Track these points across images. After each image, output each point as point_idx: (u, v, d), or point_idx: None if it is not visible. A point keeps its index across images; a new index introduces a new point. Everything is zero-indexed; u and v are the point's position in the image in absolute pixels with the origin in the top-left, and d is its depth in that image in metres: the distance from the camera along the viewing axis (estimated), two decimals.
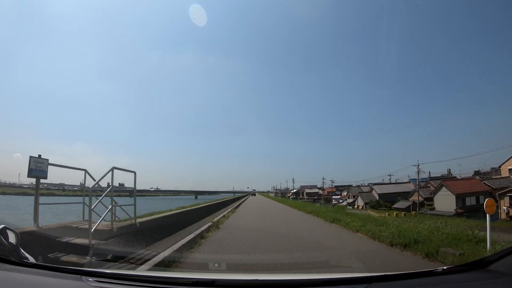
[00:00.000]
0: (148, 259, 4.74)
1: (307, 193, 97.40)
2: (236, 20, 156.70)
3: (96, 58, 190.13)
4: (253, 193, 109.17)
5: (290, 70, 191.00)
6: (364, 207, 54.09)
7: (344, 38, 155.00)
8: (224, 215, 15.56)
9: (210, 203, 19.32)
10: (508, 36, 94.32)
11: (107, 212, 6.25)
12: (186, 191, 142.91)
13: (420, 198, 45.71)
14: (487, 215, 5.86)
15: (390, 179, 70.51)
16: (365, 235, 8.41)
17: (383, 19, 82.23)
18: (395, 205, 46.66)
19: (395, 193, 54.39)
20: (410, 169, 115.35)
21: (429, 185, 48.65)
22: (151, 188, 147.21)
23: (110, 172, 6.24)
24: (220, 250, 6.51)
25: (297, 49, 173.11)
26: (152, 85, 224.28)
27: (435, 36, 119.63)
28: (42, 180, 5.86)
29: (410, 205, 43.15)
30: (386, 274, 1.72)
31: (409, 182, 61.16)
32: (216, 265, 4.73)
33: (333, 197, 77.39)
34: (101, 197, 6.29)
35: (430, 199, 44.68)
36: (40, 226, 5.33)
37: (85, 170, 7.18)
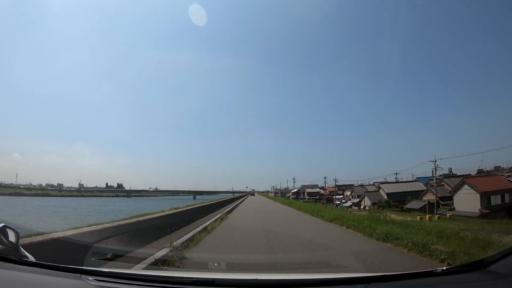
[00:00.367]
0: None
1: (308, 193, 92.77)
2: (236, 19, 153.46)
3: (96, 58, 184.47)
4: (252, 193, 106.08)
5: (290, 69, 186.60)
6: (372, 208, 49.70)
7: (347, 36, 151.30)
8: (215, 219, 12.09)
9: (199, 206, 16.27)
10: None
11: None
12: (184, 191, 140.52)
13: (435, 198, 41.32)
14: None
15: (396, 178, 66.12)
16: None
17: (386, 17, 78.40)
18: (407, 206, 42.03)
19: (405, 192, 49.76)
20: (415, 169, 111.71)
21: (443, 183, 44.19)
22: (150, 188, 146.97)
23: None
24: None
25: (297, 48, 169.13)
26: (151, 85, 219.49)
27: (439, 34, 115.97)
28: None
29: (425, 205, 38.63)
30: (386, 274, 1.71)
31: (416, 180, 56.97)
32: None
33: (336, 196, 72.70)
34: None
35: (446, 198, 40.31)
36: None
37: None
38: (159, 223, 7.76)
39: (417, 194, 48.35)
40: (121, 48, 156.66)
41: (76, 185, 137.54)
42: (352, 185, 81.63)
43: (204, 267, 4.65)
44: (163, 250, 5.30)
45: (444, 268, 1.76)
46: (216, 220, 11.93)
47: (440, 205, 39.58)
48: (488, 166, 57.87)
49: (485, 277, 1.57)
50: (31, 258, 1.89)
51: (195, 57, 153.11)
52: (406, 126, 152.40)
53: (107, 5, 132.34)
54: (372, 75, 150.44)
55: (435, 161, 39.51)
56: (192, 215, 11.88)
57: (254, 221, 13.68)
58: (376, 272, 1.93)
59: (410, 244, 5.91)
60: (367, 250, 6.28)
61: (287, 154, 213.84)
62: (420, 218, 21.66)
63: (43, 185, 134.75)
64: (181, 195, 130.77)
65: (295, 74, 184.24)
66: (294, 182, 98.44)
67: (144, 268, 4.16)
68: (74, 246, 3.99)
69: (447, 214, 26.20)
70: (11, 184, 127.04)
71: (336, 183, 70.79)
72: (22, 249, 1.86)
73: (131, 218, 7.94)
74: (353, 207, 57.02)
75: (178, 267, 4.71)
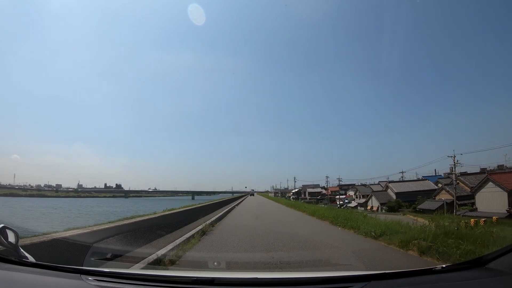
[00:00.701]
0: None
1: (310, 193, 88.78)
2: (235, 19, 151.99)
3: (95, 58, 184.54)
4: (251, 193, 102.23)
5: (290, 68, 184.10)
6: (380, 209, 45.82)
7: (347, 36, 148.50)
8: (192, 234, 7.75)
9: (184, 209, 12.76)
10: None
11: None
12: (183, 191, 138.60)
13: (450, 197, 37.60)
14: None
15: (402, 177, 62.37)
16: None
17: (386, 17, 77.19)
18: (421, 206, 38.05)
19: (416, 191, 45.85)
20: (420, 169, 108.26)
21: (457, 181, 40.44)
22: (149, 188, 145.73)
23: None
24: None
25: (298, 47, 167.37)
26: (151, 85, 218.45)
27: (439, 34, 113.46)
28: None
29: (442, 205, 34.80)
30: (385, 272, 1.68)
31: (425, 179, 53.31)
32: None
33: (340, 196, 68.82)
34: None
35: (463, 198, 36.56)
36: None
37: None
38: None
39: (427, 194, 44.63)
40: (120, 48, 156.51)
41: (75, 186, 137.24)
42: (354, 184, 77.95)
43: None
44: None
45: (444, 265, 1.73)
46: (193, 236, 7.38)
47: (457, 205, 35.85)
48: (491, 165, 54.07)
49: (484, 274, 1.56)
50: (30, 258, 1.85)
51: (194, 57, 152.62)
52: (406, 126, 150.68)
53: (107, 5, 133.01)
54: (372, 75, 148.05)
55: (454, 156, 35.76)
56: (168, 223, 8.23)
57: (253, 241, 7.37)
58: (375, 270, 1.93)
59: None
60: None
61: (287, 154, 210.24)
62: (484, 222, 15.90)
63: (42, 185, 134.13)
64: (180, 196, 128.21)
65: (295, 74, 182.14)
66: (295, 181, 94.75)
67: (144, 268, 4.07)
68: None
69: (493, 217, 22.51)
70: (8, 184, 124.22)
71: (341, 182, 66.71)
72: (21, 250, 1.83)
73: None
74: (358, 207, 53.27)
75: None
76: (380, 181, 62.05)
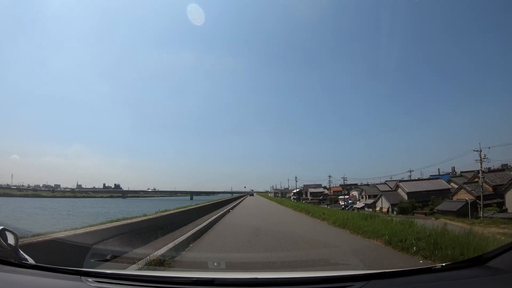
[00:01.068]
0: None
1: (311, 193, 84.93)
2: (234, 18, 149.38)
3: (95, 58, 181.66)
4: (251, 194, 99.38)
5: (290, 68, 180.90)
6: (391, 210, 41.99)
7: (347, 36, 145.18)
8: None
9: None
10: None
11: None
12: (182, 191, 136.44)
13: (470, 196, 33.85)
14: None
15: (410, 176, 58.67)
16: None
17: (385, 16, 74.24)
18: (439, 207, 34.18)
19: (428, 191, 42.16)
20: (427, 169, 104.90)
21: (476, 179, 36.74)
22: (148, 188, 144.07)
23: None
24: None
25: (297, 47, 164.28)
26: (150, 85, 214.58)
27: (439, 34, 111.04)
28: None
29: (465, 205, 30.91)
30: (384, 272, 1.66)
31: (437, 178, 49.65)
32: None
33: (345, 196, 64.89)
34: None
35: (485, 197, 32.84)
36: None
37: None
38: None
39: (441, 193, 40.95)
40: (120, 48, 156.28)
41: (75, 186, 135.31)
42: (357, 184, 74.27)
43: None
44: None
45: (443, 264, 1.71)
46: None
47: (479, 206, 32.15)
48: (495, 164, 50.29)
49: (484, 272, 1.54)
50: (30, 260, 1.82)
51: (194, 57, 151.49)
52: (406, 126, 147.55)
53: (106, 5, 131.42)
54: (372, 74, 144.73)
55: (480, 150, 31.84)
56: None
57: None
58: (374, 270, 1.85)
59: None
60: None
61: (287, 154, 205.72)
62: None
63: (40, 185, 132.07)
64: (179, 196, 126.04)
65: (295, 73, 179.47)
66: (296, 181, 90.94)
67: (144, 269, 3.93)
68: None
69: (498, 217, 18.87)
70: (6, 184, 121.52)
71: (344, 181, 62.83)
72: (21, 252, 1.80)
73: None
74: (366, 209, 49.44)
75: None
76: (386, 181, 58.25)
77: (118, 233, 5.25)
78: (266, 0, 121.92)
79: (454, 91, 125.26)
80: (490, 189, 34.04)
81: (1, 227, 1.69)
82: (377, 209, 45.33)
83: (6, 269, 1.66)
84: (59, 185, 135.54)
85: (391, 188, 51.28)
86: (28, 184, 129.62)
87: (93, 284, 1.63)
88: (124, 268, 3.72)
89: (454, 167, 60.29)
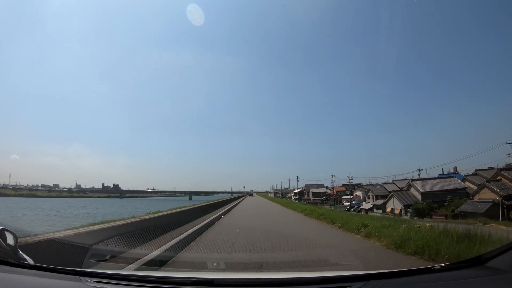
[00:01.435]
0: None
1: (314, 193, 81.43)
2: (234, 18, 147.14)
3: (94, 58, 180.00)
4: (250, 194, 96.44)
5: (290, 68, 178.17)
6: (404, 212, 38.47)
7: (347, 35, 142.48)
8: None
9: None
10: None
11: None
12: (181, 191, 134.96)
13: (494, 196, 30.39)
14: None
15: (419, 175, 55.14)
16: None
17: (384, 16, 72.26)
18: (461, 209, 30.72)
19: (443, 190, 38.70)
20: (432, 169, 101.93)
21: (499, 177, 33.33)
22: (148, 188, 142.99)
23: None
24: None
25: (297, 47, 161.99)
26: (150, 85, 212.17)
27: (438, 33, 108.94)
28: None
29: (494, 205, 27.43)
30: (384, 272, 1.64)
31: (451, 176, 46.23)
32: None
33: (350, 197, 61.27)
34: None
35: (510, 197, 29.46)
36: None
37: None
38: None
39: (457, 193, 37.52)
40: (119, 48, 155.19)
41: (74, 186, 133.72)
42: (361, 184, 70.92)
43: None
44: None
45: (443, 264, 1.71)
46: None
47: (505, 207, 28.70)
48: (500, 163, 46.99)
49: (484, 273, 1.53)
50: (29, 260, 1.81)
51: (193, 57, 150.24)
52: (406, 126, 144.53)
53: (106, 5, 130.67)
54: (372, 74, 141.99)
55: None
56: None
57: None
58: (374, 270, 1.82)
59: None
60: None
61: (288, 154, 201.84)
62: None
63: (39, 185, 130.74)
64: (178, 196, 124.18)
65: (295, 73, 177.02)
66: (298, 181, 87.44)
67: (144, 269, 3.90)
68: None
69: None
70: (3, 184, 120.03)
71: (350, 181, 59.30)
72: (20, 252, 1.79)
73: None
74: (374, 210, 45.91)
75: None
76: (394, 180, 54.75)
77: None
78: (265, 0, 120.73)
79: (454, 91, 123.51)
80: None
81: (1, 227, 1.68)
82: (388, 210, 41.78)
83: (6, 269, 1.65)
84: (58, 185, 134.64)
85: (399, 187, 47.77)
86: (27, 184, 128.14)
87: (92, 284, 1.62)
88: (123, 268, 3.62)
89: (455, 167, 57.22)
